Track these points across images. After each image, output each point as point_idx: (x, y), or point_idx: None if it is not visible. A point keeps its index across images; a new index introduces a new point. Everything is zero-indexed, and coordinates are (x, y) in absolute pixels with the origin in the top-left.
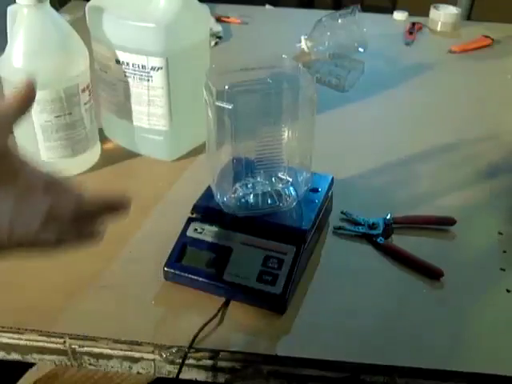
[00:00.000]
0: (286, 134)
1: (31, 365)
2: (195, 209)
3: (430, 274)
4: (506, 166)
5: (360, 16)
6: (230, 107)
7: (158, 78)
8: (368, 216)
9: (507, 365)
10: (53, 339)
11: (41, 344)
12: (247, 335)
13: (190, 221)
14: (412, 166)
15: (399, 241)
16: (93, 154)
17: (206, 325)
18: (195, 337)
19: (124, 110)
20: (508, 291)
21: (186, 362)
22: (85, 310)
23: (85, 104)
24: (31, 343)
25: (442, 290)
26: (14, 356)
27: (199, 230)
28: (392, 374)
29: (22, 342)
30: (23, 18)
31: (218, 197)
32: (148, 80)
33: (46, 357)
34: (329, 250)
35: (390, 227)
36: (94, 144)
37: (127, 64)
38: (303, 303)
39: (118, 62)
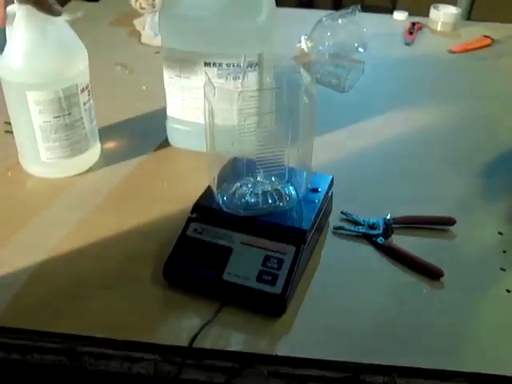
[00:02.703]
0: (286, 134)
1: (31, 365)
2: (195, 209)
3: (430, 273)
4: (505, 165)
5: (360, 16)
6: (231, 107)
7: (253, 75)
8: (368, 216)
9: (507, 365)
10: (53, 339)
11: (41, 344)
12: (247, 335)
13: (189, 221)
14: (412, 166)
15: (399, 241)
16: (92, 154)
17: (206, 325)
18: (195, 336)
19: None
20: (508, 291)
21: (186, 361)
22: (85, 310)
23: (84, 104)
24: (31, 343)
25: (442, 290)
26: (14, 356)
27: (199, 230)
28: (392, 373)
29: (21, 342)
30: (22, 18)
31: (217, 197)
32: (243, 78)
33: (46, 357)
34: (329, 249)
35: (390, 227)
36: (93, 144)
37: (219, 65)
38: (303, 303)
39: (207, 64)
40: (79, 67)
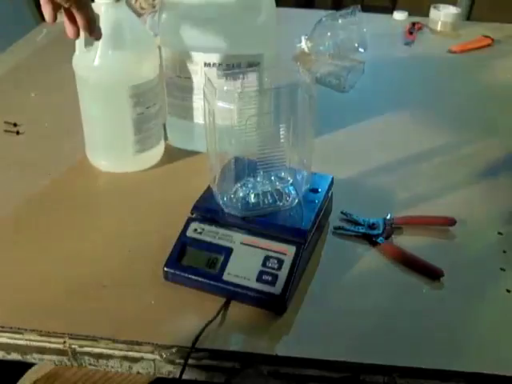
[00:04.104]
0: (286, 134)
1: (31, 365)
2: (195, 209)
3: (430, 273)
4: (505, 165)
5: (360, 16)
6: (231, 107)
7: (253, 75)
8: (368, 216)
9: (507, 365)
10: (53, 339)
11: (41, 344)
12: (247, 335)
13: (189, 221)
14: (412, 166)
15: (399, 241)
16: (161, 147)
17: (207, 325)
18: (198, 337)
19: None
20: (508, 291)
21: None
22: (85, 310)
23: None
24: (31, 343)
25: (442, 290)
26: (14, 356)
27: (199, 230)
28: (392, 373)
29: (21, 342)
30: (101, 16)
31: (218, 197)
32: (243, 78)
33: (46, 357)
34: (329, 250)
35: (390, 227)
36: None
37: (219, 65)
38: (303, 303)
39: (207, 64)
40: (157, 59)
